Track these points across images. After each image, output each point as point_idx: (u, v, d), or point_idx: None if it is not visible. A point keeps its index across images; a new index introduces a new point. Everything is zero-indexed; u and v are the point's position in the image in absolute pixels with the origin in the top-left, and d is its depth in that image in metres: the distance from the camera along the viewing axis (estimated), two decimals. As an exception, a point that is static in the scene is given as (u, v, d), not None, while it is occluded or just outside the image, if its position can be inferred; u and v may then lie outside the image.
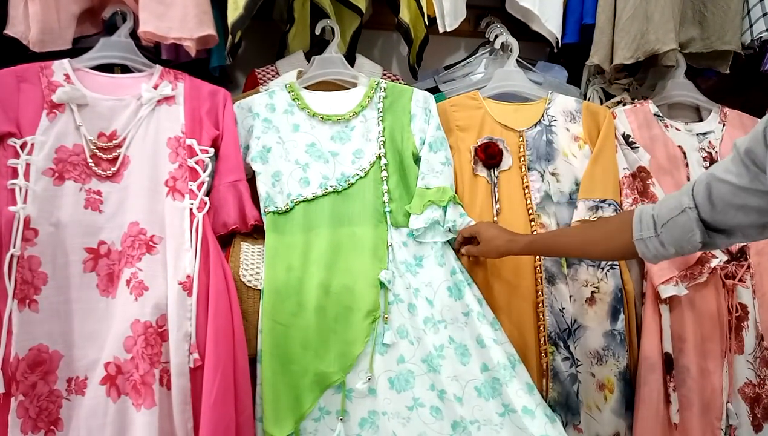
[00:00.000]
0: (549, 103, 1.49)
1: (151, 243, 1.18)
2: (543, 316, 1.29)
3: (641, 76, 1.72)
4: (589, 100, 1.62)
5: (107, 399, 1.08)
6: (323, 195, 1.30)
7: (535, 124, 1.47)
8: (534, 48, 1.75)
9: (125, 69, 1.36)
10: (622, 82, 1.66)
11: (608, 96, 1.65)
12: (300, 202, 1.29)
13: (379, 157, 1.35)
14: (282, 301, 1.18)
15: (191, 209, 1.21)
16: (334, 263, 1.23)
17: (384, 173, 1.33)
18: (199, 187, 1.24)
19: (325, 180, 1.32)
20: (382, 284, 1.22)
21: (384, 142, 1.36)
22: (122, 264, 1.17)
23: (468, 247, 1.26)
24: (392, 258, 1.26)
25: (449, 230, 1.29)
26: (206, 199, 1.24)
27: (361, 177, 1.33)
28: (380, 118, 1.38)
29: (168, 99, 1.30)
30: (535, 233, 1.34)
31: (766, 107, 1.71)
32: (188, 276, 1.14)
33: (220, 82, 1.42)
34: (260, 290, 1.20)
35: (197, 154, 1.27)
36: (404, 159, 1.36)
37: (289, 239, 1.26)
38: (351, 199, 1.31)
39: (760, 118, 1.62)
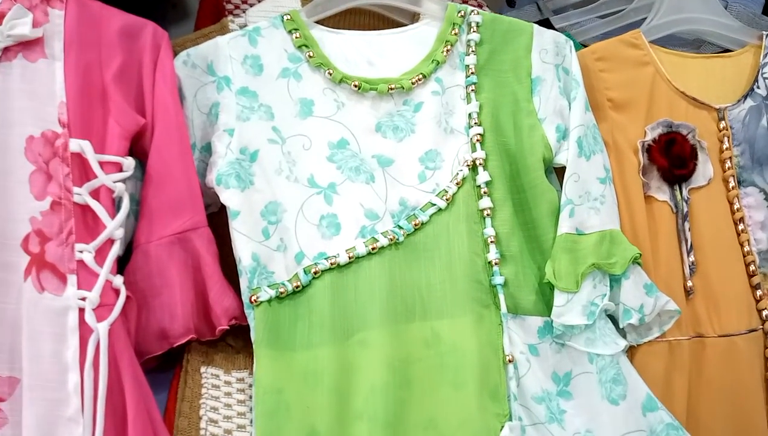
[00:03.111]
0: (766, 55, 0.82)
1: (-15, 402, 0.51)
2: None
3: None
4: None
5: None
6: (370, 253, 0.63)
7: (745, 97, 0.81)
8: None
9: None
10: None
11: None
12: (325, 271, 0.62)
13: (473, 168, 0.67)
14: None
15: (81, 311, 0.53)
16: (401, 410, 0.58)
17: (486, 202, 0.66)
18: (100, 257, 0.55)
19: (371, 219, 0.65)
20: (503, 453, 0.59)
21: (482, 135, 0.68)
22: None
23: None
24: (516, 386, 0.62)
25: (635, 324, 0.65)
26: (118, 281, 0.56)
27: (441, 209, 0.66)
28: (473, 87, 0.70)
29: (28, 46, 0.60)
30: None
31: None
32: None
33: (153, 11, 0.70)
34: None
35: (96, 176, 0.58)
36: (524, 170, 0.69)
37: (303, 359, 0.59)
38: (423, 258, 0.64)
39: None
